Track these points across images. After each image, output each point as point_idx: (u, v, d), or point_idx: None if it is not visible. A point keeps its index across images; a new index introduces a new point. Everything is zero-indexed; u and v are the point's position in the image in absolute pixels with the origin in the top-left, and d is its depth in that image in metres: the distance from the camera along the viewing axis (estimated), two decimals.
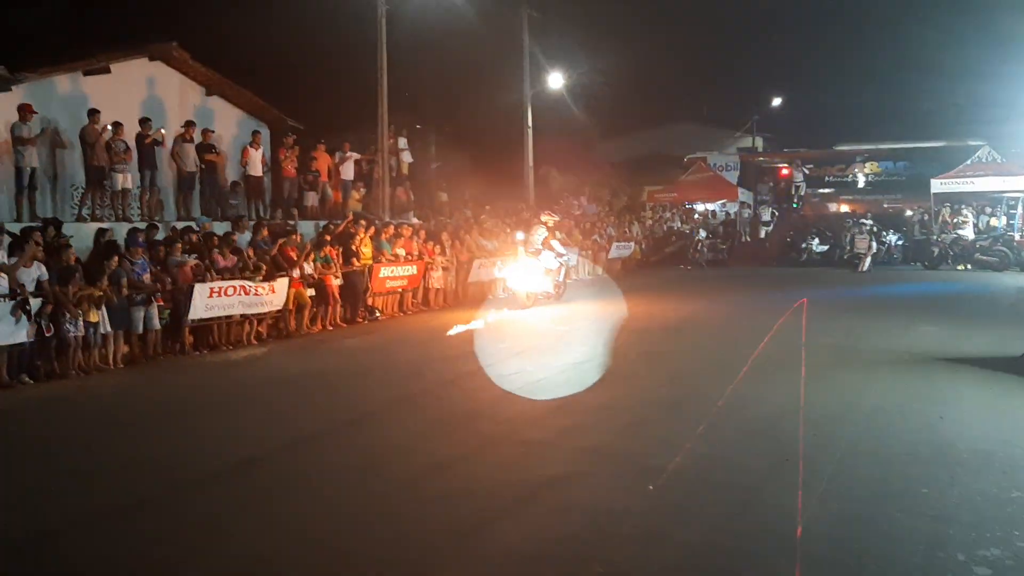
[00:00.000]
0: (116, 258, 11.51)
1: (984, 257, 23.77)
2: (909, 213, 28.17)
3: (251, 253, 13.64)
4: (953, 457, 6.63)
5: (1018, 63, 30.90)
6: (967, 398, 8.66)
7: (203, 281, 12.42)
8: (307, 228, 16.76)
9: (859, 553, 4.94)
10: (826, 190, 32.46)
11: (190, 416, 8.79)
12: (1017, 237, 24.46)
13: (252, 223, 15.39)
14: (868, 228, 25.36)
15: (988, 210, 26.37)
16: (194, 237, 13.55)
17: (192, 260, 12.68)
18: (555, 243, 17.89)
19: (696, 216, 31.28)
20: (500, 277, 18.77)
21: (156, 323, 11.91)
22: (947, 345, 11.73)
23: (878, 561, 4.84)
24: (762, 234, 31.43)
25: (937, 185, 26.53)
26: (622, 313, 15.47)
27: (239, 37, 26.68)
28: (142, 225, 13.71)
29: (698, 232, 28.26)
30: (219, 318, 12.80)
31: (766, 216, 31.78)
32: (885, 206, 28.66)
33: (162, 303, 12.01)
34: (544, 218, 18.63)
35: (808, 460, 6.62)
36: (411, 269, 16.72)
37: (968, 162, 26.51)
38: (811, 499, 5.73)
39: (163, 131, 15.89)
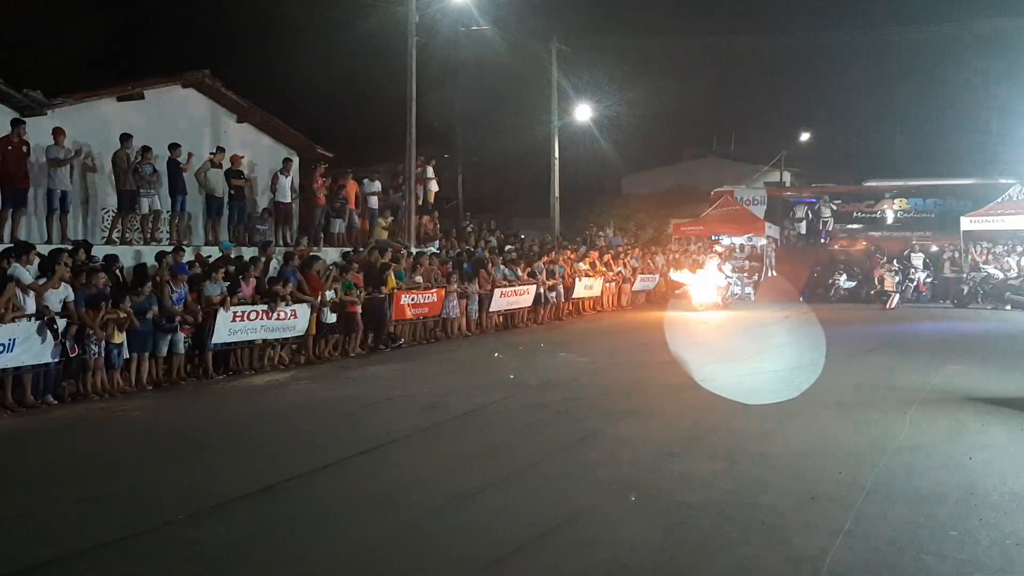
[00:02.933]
0: (161, 284, 11.81)
1: (1015, 296, 23.41)
2: (935, 249, 27.84)
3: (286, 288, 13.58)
4: (983, 499, 6.48)
5: None
6: (997, 439, 8.49)
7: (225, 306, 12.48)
8: (333, 255, 16.85)
9: None
10: (854, 226, 32.20)
11: (210, 442, 8.79)
12: None
13: (276, 249, 15.51)
14: (911, 263, 25.42)
15: (1019, 249, 26.02)
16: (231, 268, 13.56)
17: (224, 291, 12.73)
18: (725, 267, 24.43)
19: (720, 249, 31.09)
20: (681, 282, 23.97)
21: (181, 347, 12.00)
22: (977, 385, 11.52)
23: None
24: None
25: (967, 223, 26.25)
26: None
27: (272, 66, 27.19)
28: (168, 248, 13.85)
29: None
30: (242, 343, 12.87)
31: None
32: (914, 243, 28.31)
33: (189, 323, 12.10)
34: (718, 248, 25.85)
35: (834, 499, 6.52)
36: (432, 297, 16.74)
37: (999, 200, 26.23)
38: (837, 539, 5.62)
39: (191, 154, 16.13)
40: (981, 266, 25.22)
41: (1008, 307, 23.19)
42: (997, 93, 36.54)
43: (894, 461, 7.61)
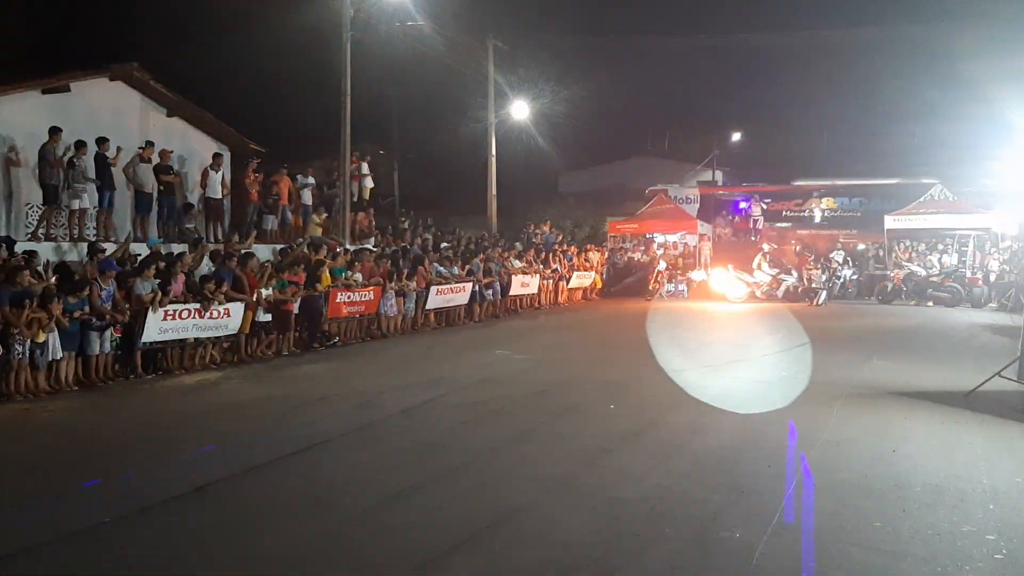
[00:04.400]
0: (90, 281, 11.41)
1: (937, 293, 24.22)
2: (861, 247, 28.68)
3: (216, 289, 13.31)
4: (906, 491, 6.69)
5: (970, 106, 31.80)
6: (920, 432, 8.77)
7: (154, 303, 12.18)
8: (265, 252, 16.58)
9: None
10: (784, 224, 32.91)
11: (139, 443, 8.57)
12: (968, 274, 24.99)
13: (208, 246, 15.22)
14: (832, 261, 26.11)
15: (940, 247, 26.92)
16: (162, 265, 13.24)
17: (155, 288, 12.41)
18: (764, 265, 25.83)
19: (655, 247, 31.52)
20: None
21: (108, 346, 11.68)
22: (900, 379, 11.91)
23: None
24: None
25: (891, 221, 27.04)
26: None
27: (203, 60, 26.65)
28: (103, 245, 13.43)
29: (658, 264, 28.47)
30: (173, 341, 12.58)
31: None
32: (841, 241, 29.09)
33: (119, 322, 11.78)
34: (764, 247, 26.76)
35: (764, 492, 6.66)
36: (368, 295, 16.60)
37: (921, 199, 27.08)
38: (765, 531, 5.74)
39: (120, 149, 15.75)
40: (904, 263, 26.04)
41: (930, 303, 24.00)
42: (921, 96, 37.76)
43: (821, 454, 7.81)
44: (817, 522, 5.98)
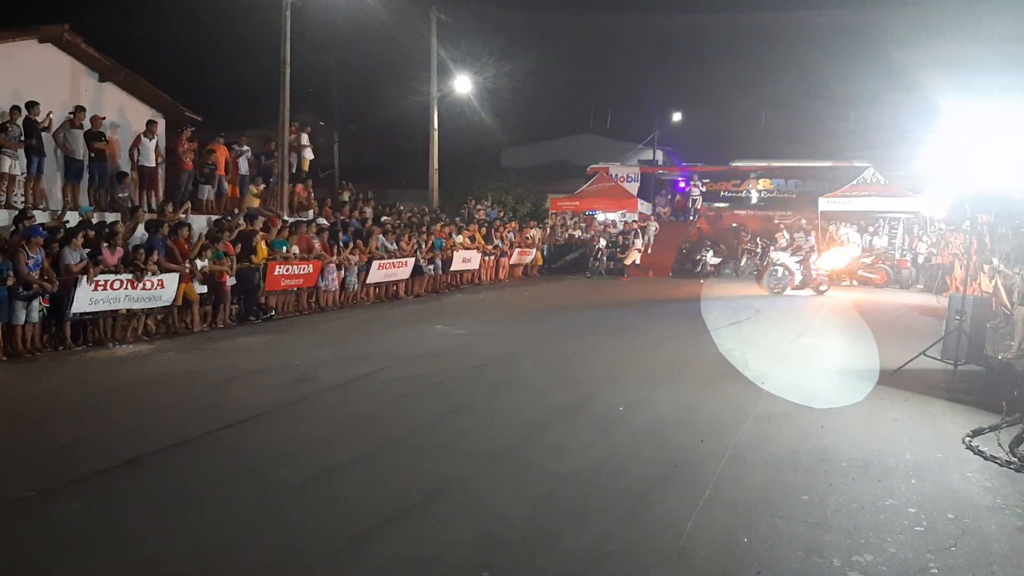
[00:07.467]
0: (15, 249, 11.01)
1: (866, 274, 24.86)
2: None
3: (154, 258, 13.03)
4: (832, 465, 6.89)
5: (901, 91, 32.53)
6: (847, 408, 9.02)
7: (87, 274, 11.86)
8: (200, 223, 16.22)
9: (740, 558, 5.08)
10: (721, 204, 33.41)
11: (67, 414, 8.37)
12: (898, 256, 25.68)
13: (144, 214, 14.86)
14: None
15: (871, 229, 27.59)
16: (91, 233, 12.88)
17: (84, 257, 12.07)
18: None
19: (596, 225, 31.75)
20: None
21: (35, 316, 11.34)
22: (830, 357, 12.26)
23: (758, 566, 4.98)
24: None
25: (824, 203, 27.63)
26: None
27: (137, 23, 25.87)
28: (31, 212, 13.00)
29: (598, 241, 28.68)
30: (104, 312, 12.27)
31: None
32: (776, 221, 29.66)
33: (47, 291, 11.44)
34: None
35: (696, 466, 6.79)
36: (307, 268, 16.40)
37: (854, 182, 27.71)
38: (697, 504, 5.87)
39: (50, 114, 15.23)
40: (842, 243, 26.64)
41: (855, 283, 24.62)
42: (855, 81, 38.51)
43: (752, 430, 7.99)
44: (746, 495, 6.13)
